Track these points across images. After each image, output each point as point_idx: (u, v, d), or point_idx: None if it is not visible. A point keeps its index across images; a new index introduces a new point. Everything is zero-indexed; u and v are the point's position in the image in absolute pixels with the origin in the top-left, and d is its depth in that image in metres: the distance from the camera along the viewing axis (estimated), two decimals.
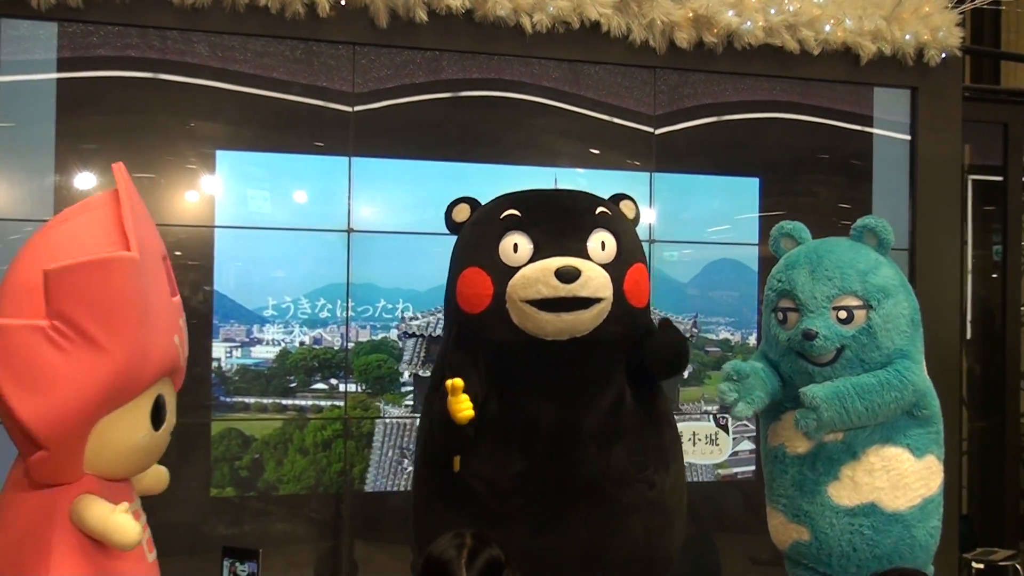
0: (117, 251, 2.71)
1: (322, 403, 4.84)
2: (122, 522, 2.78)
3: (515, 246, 3.57)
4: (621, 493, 3.70)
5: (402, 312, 4.95)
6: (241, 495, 4.78)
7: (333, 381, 4.85)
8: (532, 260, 3.55)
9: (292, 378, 4.81)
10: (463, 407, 3.34)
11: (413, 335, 4.97)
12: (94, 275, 2.67)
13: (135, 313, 2.75)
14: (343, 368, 4.86)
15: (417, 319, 4.98)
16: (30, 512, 2.83)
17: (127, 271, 2.71)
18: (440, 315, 4.95)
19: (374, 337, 4.90)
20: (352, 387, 4.88)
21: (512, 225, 3.62)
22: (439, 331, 4.89)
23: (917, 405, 3.89)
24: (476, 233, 3.70)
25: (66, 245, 2.78)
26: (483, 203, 3.87)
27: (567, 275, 3.47)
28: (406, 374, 4.99)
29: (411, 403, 4.98)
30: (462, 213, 3.83)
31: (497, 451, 3.56)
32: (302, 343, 4.83)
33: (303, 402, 4.82)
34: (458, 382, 3.34)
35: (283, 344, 4.82)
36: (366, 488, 4.95)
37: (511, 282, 3.53)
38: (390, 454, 4.93)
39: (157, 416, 2.94)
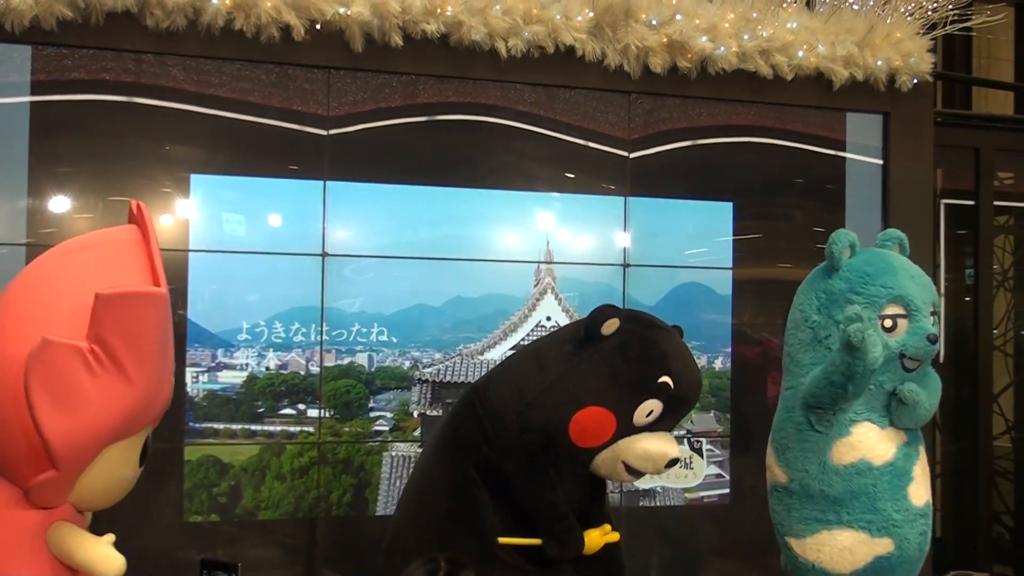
0: (156, 287, 2.85)
1: (292, 429, 4.82)
2: (109, 554, 2.80)
3: (650, 412, 3.66)
4: None
5: (376, 336, 4.94)
6: (219, 521, 4.75)
7: (301, 406, 4.82)
8: (651, 426, 3.69)
9: (260, 403, 4.79)
10: None
11: (425, 381, 4.99)
12: (137, 306, 2.77)
13: (159, 348, 2.87)
14: (311, 393, 4.85)
15: (430, 367, 5.00)
16: (5, 531, 2.83)
17: (161, 307, 2.84)
18: (450, 361, 5.04)
19: (340, 362, 4.88)
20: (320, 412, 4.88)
21: (661, 394, 3.67)
22: (448, 377, 4.99)
23: None
24: (626, 377, 3.65)
25: (100, 272, 2.85)
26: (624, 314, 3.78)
27: (672, 465, 3.74)
28: (415, 413, 5.00)
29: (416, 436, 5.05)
30: (611, 327, 3.68)
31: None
32: (267, 368, 4.81)
33: (272, 428, 4.79)
34: None
35: (251, 368, 4.79)
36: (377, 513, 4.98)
37: (628, 443, 3.67)
38: (398, 484, 4.94)
39: (143, 454, 2.99)
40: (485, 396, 3.78)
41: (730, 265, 5.51)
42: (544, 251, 5.17)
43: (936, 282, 6.25)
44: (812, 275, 4.15)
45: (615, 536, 3.78)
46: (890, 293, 3.90)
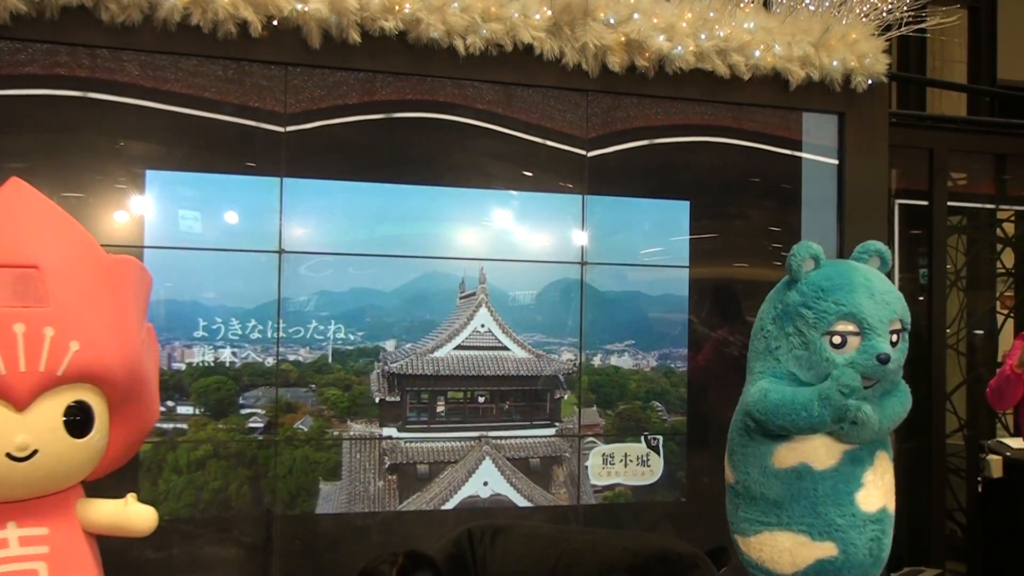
0: None
1: (165, 426, 4.75)
2: None
3: None
4: None
5: (334, 333, 4.94)
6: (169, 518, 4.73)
7: (170, 403, 4.75)
8: None
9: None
10: None
11: (392, 374, 5.04)
12: None
13: None
14: (180, 390, 4.79)
15: (395, 362, 5.05)
16: None
17: None
18: (407, 358, 5.07)
19: (206, 359, 4.80)
20: (190, 409, 4.80)
21: None
22: (412, 369, 5.05)
23: None
24: None
25: None
26: None
27: None
28: (376, 399, 5.02)
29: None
30: None
31: None
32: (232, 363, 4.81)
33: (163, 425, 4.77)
34: None
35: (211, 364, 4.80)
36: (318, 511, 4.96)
37: None
38: (359, 457, 5.02)
39: None
40: None
41: (686, 263, 5.53)
42: (480, 272, 5.20)
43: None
44: (778, 285, 4.10)
45: None
46: (841, 310, 3.83)
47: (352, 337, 5.01)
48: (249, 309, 4.88)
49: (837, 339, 3.85)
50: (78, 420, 3.02)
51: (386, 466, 5.04)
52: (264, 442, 4.86)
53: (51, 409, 2.96)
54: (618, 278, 5.47)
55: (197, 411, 4.80)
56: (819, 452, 3.91)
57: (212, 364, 4.78)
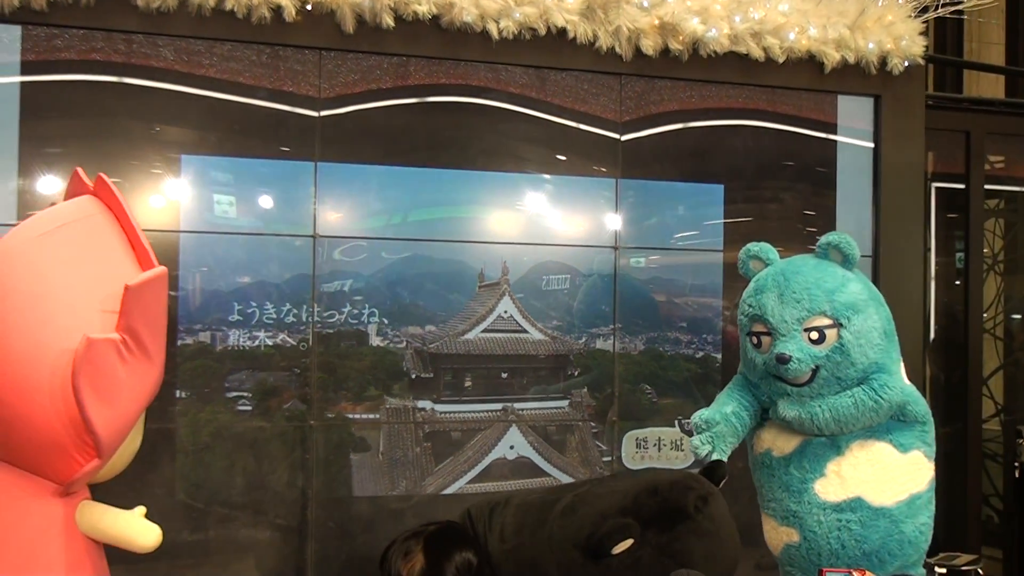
0: (158, 265, 2.92)
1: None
2: (145, 526, 2.93)
3: None
4: None
5: (368, 317, 4.96)
6: (204, 501, 4.77)
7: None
8: None
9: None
10: None
11: (430, 352, 5.14)
12: (155, 289, 2.84)
13: (165, 323, 2.96)
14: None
15: (434, 343, 5.13)
16: (35, 523, 2.85)
17: (165, 283, 2.92)
18: (441, 340, 5.14)
19: (186, 342, 4.76)
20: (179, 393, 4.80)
21: None
22: (446, 350, 5.13)
23: (898, 414, 3.98)
24: None
25: (85, 251, 2.90)
26: None
27: None
28: (413, 375, 5.10)
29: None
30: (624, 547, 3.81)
31: None
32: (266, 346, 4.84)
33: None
34: None
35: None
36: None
37: None
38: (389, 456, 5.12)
39: None
40: None
41: (720, 247, 5.52)
42: (503, 265, 5.24)
43: (926, 265, 6.28)
44: None
45: None
46: (751, 312, 3.99)
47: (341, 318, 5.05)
48: (285, 292, 4.90)
49: (754, 340, 4.01)
50: None
51: (423, 434, 5.14)
52: (299, 424, 4.90)
53: None
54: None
55: (182, 395, 4.80)
56: (777, 440, 4.05)
57: (248, 348, 4.81)
